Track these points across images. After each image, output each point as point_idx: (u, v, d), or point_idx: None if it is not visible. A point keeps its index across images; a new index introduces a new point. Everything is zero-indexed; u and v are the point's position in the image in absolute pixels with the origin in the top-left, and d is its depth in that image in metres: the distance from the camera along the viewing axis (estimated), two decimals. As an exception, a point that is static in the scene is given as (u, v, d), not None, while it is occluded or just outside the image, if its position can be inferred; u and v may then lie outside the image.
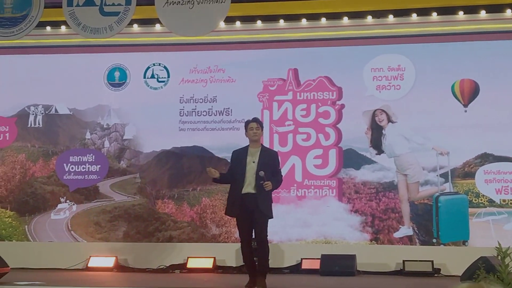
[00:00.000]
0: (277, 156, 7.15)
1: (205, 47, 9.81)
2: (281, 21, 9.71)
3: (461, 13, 9.22)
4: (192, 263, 9.02)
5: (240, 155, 6.95)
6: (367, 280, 8.20)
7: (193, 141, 9.75)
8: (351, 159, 9.31)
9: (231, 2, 7.56)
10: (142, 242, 9.49)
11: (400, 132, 9.21)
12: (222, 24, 8.97)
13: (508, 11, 9.08)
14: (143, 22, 9.79)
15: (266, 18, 9.76)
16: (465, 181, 8.97)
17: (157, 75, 9.98)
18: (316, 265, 8.63)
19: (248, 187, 6.72)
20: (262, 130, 7.08)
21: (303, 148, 9.40)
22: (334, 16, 9.55)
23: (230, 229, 9.34)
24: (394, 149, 9.19)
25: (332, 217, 9.17)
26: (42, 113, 10.10)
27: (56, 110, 10.12)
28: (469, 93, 9.05)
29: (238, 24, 9.81)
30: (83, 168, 9.89)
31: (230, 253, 9.09)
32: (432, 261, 8.53)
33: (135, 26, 9.91)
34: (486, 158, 8.96)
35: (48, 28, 10.10)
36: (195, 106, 9.81)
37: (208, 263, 8.99)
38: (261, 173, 6.65)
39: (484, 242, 8.49)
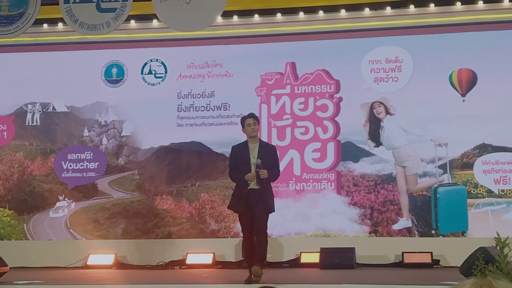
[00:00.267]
0: (275, 151, 7.18)
1: (203, 42, 9.78)
2: (278, 14, 9.68)
3: (458, 3, 9.18)
4: (191, 259, 8.99)
5: (241, 152, 6.97)
6: (366, 272, 8.17)
7: (191, 136, 9.73)
8: (349, 152, 9.28)
9: (228, -4, 7.54)
10: (141, 239, 9.47)
11: (398, 124, 9.17)
12: (219, 19, 8.94)
13: (506, 1, 9.03)
14: (140, 18, 9.78)
15: (263, 12, 9.74)
16: (464, 172, 8.93)
17: (154, 71, 9.96)
18: (315, 258, 8.60)
19: (253, 183, 6.77)
20: (259, 124, 7.09)
21: (301, 141, 9.37)
22: (331, 9, 9.52)
23: (229, 224, 9.32)
24: (393, 141, 9.16)
25: (331, 210, 9.14)
26: (39, 111, 10.09)
27: (53, 108, 10.10)
28: (467, 83, 9.02)
29: (235, 18, 9.79)
30: (81, 165, 9.88)
31: (229, 248, 9.08)
32: (431, 253, 8.51)
33: (132, 22, 9.90)
34: (484, 149, 8.92)
35: (45, 25, 10.09)
36: (193, 102, 9.79)
37: (207, 259, 8.97)
38: (258, 161, 6.72)
39: (483, 233, 8.45)
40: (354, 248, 8.62)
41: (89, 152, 9.92)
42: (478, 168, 8.89)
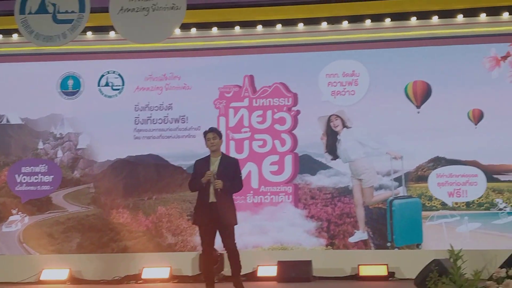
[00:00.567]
0: (237, 163, 7.15)
1: (161, 54, 9.75)
2: (237, 27, 9.71)
3: (413, 18, 9.33)
4: (147, 274, 8.89)
5: (202, 165, 6.97)
6: (322, 285, 8.20)
7: (149, 149, 9.65)
8: (306, 165, 9.32)
9: (187, 9, 7.50)
10: (96, 253, 9.32)
11: (355, 137, 9.25)
12: (177, 31, 8.92)
13: (460, 16, 9.21)
14: (97, 29, 9.69)
15: (222, 25, 9.75)
16: (418, 185, 9.05)
17: (111, 83, 9.87)
18: (272, 272, 8.60)
19: (212, 196, 6.77)
20: (220, 138, 7.08)
21: (259, 154, 9.38)
22: (289, 22, 9.59)
23: (186, 238, 9.26)
24: (349, 154, 9.23)
25: (288, 223, 9.16)
26: (-7, 123, 9.92)
27: (7, 120, 9.92)
28: (421, 95, 9.16)
29: (193, 30, 9.78)
30: (36, 178, 9.71)
31: (187, 262, 9.01)
32: (386, 265, 8.58)
33: (89, 33, 9.82)
34: (438, 162, 9.06)
35: (0, 36, 9.93)
36: (151, 114, 9.73)
37: (164, 273, 8.88)
38: (210, 172, 6.75)
39: (437, 245, 8.58)
40: (311, 261, 8.64)
41: (44, 165, 9.76)
42: (432, 181, 9.01)
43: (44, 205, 9.64)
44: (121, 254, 9.27)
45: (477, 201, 8.91)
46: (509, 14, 9.15)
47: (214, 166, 6.89)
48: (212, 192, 6.78)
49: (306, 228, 9.12)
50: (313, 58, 9.56)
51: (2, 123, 9.91)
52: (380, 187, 9.08)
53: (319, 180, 9.24)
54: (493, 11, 9.14)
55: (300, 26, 9.60)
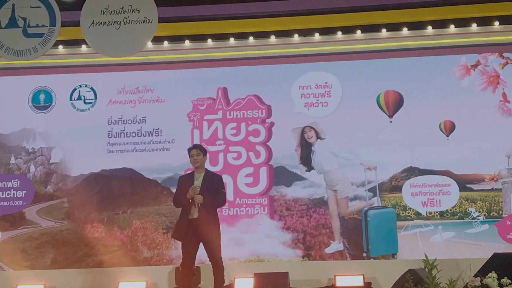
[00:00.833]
0: (220, 179, 7.25)
1: (133, 67, 9.73)
2: (209, 40, 9.74)
3: (384, 30, 9.46)
4: (123, 288, 8.86)
5: (186, 181, 7.07)
6: (300, 297, 8.24)
7: (123, 163, 9.61)
8: (281, 176, 9.37)
9: (159, 22, 7.50)
10: (71, 269, 9.24)
11: (329, 148, 9.33)
12: (149, 44, 8.92)
13: (429, 28, 9.37)
14: (68, 43, 9.65)
15: (194, 38, 9.78)
16: (393, 195, 9.15)
17: (84, 96, 9.82)
18: (249, 284, 8.57)
19: (195, 213, 6.87)
20: (204, 155, 7.18)
21: (234, 166, 9.40)
22: (261, 35, 9.65)
23: (162, 252, 9.23)
24: (323, 165, 9.30)
25: (264, 235, 9.19)
26: (-36, 138, 9.78)
27: (-22, 135, 9.83)
28: (393, 104, 9.30)
29: (166, 44, 9.79)
30: (8, 194, 9.60)
31: (163, 276, 8.97)
32: (363, 275, 8.64)
33: (60, 47, 9.76)
34: (412, 172, 9.18)
35: (-31, 51, 9.81)
36: (124, 128, 9.70)
37: (140, 287, 8.83)
38: (195, 186, 6.88)
39: (412, 255, 8.67)
40: (287, 272, 8.62)
41: (16, 180, 9.65)
42: (406, 191, 9.13)
43: (17, 221, 9.53)
44: (96, 268, 9.20)
45: (451, 210, 9.05)
46: (478, 26, 9.33)
47: (198, 182, 6.99)
48: (195, 208, 6.86)
49: (282, 239, 9.16)
50: (286, 70, 9.63)
51: (-27, 138, 9.80)
52: (355, 198, 9.17)
53: (294, 191, 9.29)
54: (462, 23, 9.32)
55: (273, 38, 9.67)
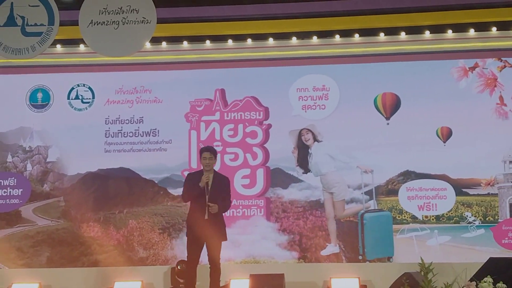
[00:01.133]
0: (228, 182, 7.39)
1: (131, 67, 9.73)
2: (207, 42, 9.75)
3: (382, 34, 9.49)
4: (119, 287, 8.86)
5: (196, 179, 7.14)
6: (295, 299, 8.26)
7: (120, 162, 9.62)
8: (278, 178, 9.40)
9: (157, 23, 7.52)
10: (67, 267, 9.25)
11: (326, 151, 9.36)
12: (148, 45, 8.93)
13: (427, 32, 9.41)
14: (66, 42, 9.64)
15: (192, 39, 9.78)
16: (389, 198, 9.19)
17: (81, 96, 9.82)
18: (245, 285, 8.60)
19: (206, 214, 7.02)
20: (215, 158, 7.33)
21: (231, 168, 9.40)
22: (259, 37, 9.67)
23: (157, 252, 9.25)
24: (320, 168, 9.33)
25: (261, 236, 9.22)
26: (-40, 136, 9.77)
27: (-24, 133, 9.82)
28: (391, 106, 9.33)
29: (164, 44, 9.80)
30: (4, 192, 9.59)
31: (158, 276, 9.00)
32: (358, 278, 8.67)
33: (59, 46, 9.76)
34: (408, 176, 9.21)
35: (-33, 48, 9.79)
36: (121, 127, 9.70)
37: (135, 287, 8.84)
38: (206, 177, 7.05)
39: (408, 258, 8.70)
40: (283, 274, 8.67)
41: (13, 178, 9.65)
42: (402, 195, 9.16)
43: (13, 219, 9.53)
44: (92, 268, 9.22)
45: (447, 214, 9.09)
46: (475, 31, 9.37)
47: (208, 183, 7.09)
48: (206, 209, 7.00)
49: (278, 241, 9.18)
50: (284, 73, 9.65)
51: (-30, 136, 9.80)
52: (352, 201, 9.20)
53: (291, 193, 9.32)
54: (460, 28, 9.35)
55: (271, 40, 9.69)
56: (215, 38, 9.75)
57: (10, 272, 9.22)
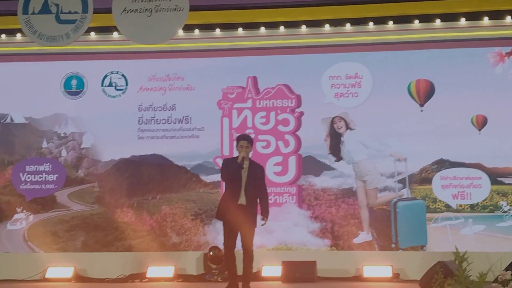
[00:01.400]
0: (263, 171, 7.50)
1: (164, 55, 9.77)
2: (240, 29, 9.74)
3: (416, 21, 9.38)
4: (152, 272, 8.95)
5: (233, 166, 7.20)
6: (327, 285, 8.27)
7: (152, 149, 9.69)
8: (310, 166, 9.38)
9: (190, 10, 7.54)
10: (101, 252, 9.37)
11: (359, 139, 9.32)
12: (180, 32, 8.94)
13: (462, 20, 9.28)
14: (100, 30, 9.69)
15: (225, 26, 9.76)
16: (422, 187, 9.12)
17: (115, 83, 9.90)
18: (277, 272, 8.66)
19: (241, 199, 7.11)
20: (252, 146, 7.38)
21: (263, 155, 9.41)
22: (292, 24, 9.61)
23: (190, 238, 9.32)
24: (353, 156, 9.29)
25: (293, 223, 9.23)
26: (-3, 122, 9.93)
27: (11, 119, 9.94)
28: (424, 93, 9.24)
29: (196, 32, 9.80)
30: (40, 177, 9.73)
31: (191, 261, 9.09)
32: (391, 266, 8.66)
33: (92, 34, 9.82)
34: (442, 164, 9.13)
35: (3, 36, 9.95)
36: (154, 114, 9.76)
37: (168, 272, 8.94)
38: (245, 154, 7.20)
39: (441, 247, 8.64)
40: (315, 261, 8.71)
41: (48, 164, 9.79)
42: (436, 183, 9.09)
43: (48, 204, 9.68)
44: (125, 253, 9.33)
45: (481, 203, 8.99)
46: (512, 18, 9.24)
47: (244, 171, 7.17)
48: (243, 195, 7.11)
49: (310, 229, 9.19)
50: (316, 60, 9.61)
51: (6, 122, 9.93)
52: (384, 189, 9.16)
53: (323, 181, 9.30)
54: (496, 15, 9.20)
55: (303, 28, 9.64)
56: (247, 26, 9.73)
57: (46, 256, 9.37)
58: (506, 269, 6.38)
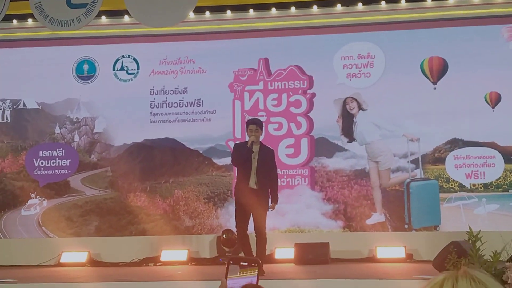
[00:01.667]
0: (273, 154, 7.62)
1: (175, 38, 9.74)
2: (251, 10, 9.67)
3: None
4: (165, 256, 8.97)
5: (243, 150, 7.31)
6: (340, 267, 8.23)
7: (165, 133, 9.69)
8: (323, 147, 9.34)
9: (200, -8, 7.51)
10: (115, 236, 9.41)
11: (371, 120, 9.25)
12: (191, 15, 8.90)
13: (476, -4, 9.16)
14: (111, 13, 9.68)
15: (235, 8, 9.71)
16: (436, 167, 9.04)
17: (126, 67, 9.89)
18: (289, 254, 8.65)
19: (252, 182, 7.25)
20: (262, 130, 7.50)
21: (275, 137, 9.38)
22: (303, 4, 9.54)
23: (203, 221, 9.33)
24: (365, 137, 9.23)
25: (305, 205, 9.20)
26: (10, 108, 9.95)
27: (24, 105, 9.98)
28: (438, 70, 9.12)
29: (207, 14, 9.75)
30: (53, 162, 9.78)
31: (204, 244, 9.10)
32: (404, 247, 8.61)
33: (103, 18, 9.79)
34: (455, 144, 9.04)
35: (15, 21, 9.95)
36: (166, 98, 9.75)
37: (182, 256, 8.95)
38: (254, 137, 7.34)
39: (455, 227, 8.59)
40: (328, 243, 8.67)
41: (61, 149, 9.83)
42: (449, 163, 9.01)
43: (62, 189, 9.73)
44: (139, 236, 9.36)
45: (495, 182, 8.90)
46: (526, -5, 9.08)
47: (255, 154, 7.28)
48: (254, 178, 7.24)
49: (323, 210, 9.15)
50: (328, 41, 9.53)
51: (18, 107, 9.97)
52: (397, 169, 9.10)
53: (336, 162, 9.25)
54: (510, -8, 9.07)
55: (315, 8, 9.55)
56: (258, 7, 9.66)
57: (60, 241, 9.43)
58: (520, 248, 6.29)
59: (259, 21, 9.73)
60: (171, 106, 9.70)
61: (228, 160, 9.29)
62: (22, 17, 9.84)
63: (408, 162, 9.06)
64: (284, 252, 8.75)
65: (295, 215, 9.18)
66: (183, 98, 9.71)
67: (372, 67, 9.35)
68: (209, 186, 9.46)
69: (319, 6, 9.52)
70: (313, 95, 9.44)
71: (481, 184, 8.93)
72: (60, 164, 9.77)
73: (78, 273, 8.26)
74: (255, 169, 7.25)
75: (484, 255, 6.28)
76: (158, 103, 9.73)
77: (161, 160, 9.69)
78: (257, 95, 9.58)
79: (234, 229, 7.86)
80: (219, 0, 9.58)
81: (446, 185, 8.99)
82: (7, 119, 9.94)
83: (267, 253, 8.75)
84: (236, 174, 7.73)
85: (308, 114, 9.42)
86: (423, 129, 9.07)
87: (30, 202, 9.69)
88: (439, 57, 9.15)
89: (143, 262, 8.97)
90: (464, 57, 9.11)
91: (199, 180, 9.48)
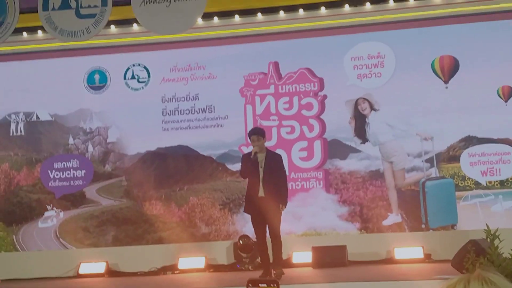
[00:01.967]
0: (280, 159, 7.67)
1: (184, 44, 9.75)
2: (259, 14, 9.66)
3: (437, -3, 9.23)
4: (183, 264, 8.97)
5: (249, 161, 7.43)
6: (359, 269, 8.21)
7: (178, 140, 9.70)
8: (336, 149, 9.31)
9: (208, -2, 7.52)
10: (132, 246, 9.43)
11: (384, 120, 9.21)
12: (199, 21, 8.91)
13: (484, -8, 9.11)
14: (120, 22, 9.70)
15: (244, 12, 9.70)
16: (451, 165, 8.99)
17: (137, 75, 9.91)
18: (307, 258, 8.63)
19: (261, 191, 7.37)
20: (264, 137, 7.58)
21: (287, 141, 9.37)
22: (311, 7, 9.51)
23: (219, 227, 9.33)
24: (378, 137, 9.20)
25: (321, 208, 9.18)
26: (23, 121, 10.00)
27: (37, 117, 10.02)
28: (449, 69, 9.07)
29: (215, 19, 9.75)
30: (68, 174, 9.81)
31: (221, 251, 9.09)
32: (422, 247, 8.57)
33: (113, 27, 9.82)
34: (470, 141, 8.98)
35: (25, 34, 9.99)
36: (178, 105, 9.76)
37: (199, 263, 8.95)
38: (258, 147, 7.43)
39: (472, 225, 8.50)
40: (345, 245, 8.64)
41: (75, 160, 9.86)
42: (464, 161, 8.95)
43: (78, 200, 9.76)
44: (156, 245, 9.37)
45: (511, 179, 8.85)
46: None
47: (261, 164, 7.40)
48: (261, 187, 7.34)
49: (338, 213, 9.12)
50: (337, 42, 9.51)
51: (32, 120, 10.01)
52: (412, 169, 9.05)
53: (350, 164, 9.22)
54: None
55: (323, 10, 9.52)
56: (266, 10, 9.65)
57: (78, 252, 9.46)
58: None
59: (267, 24, 9.72)
60: (183, 113, 9.71)
61: (242, 165, 9.30)
62: (32, 30, 9.89)
63: (422, 161, 9.02)
64: (302, 256, 8.73)
65: (311, 218, 9.15)
66: (194, 104, 9.72)
67: (382, 66, 9.32)
68: (223, 192, 9.46)
69: (327, 8, 9.49)
70: (325, 97, 9.42)
71: (497, 181, 8.86)
72: (75, 175, 9.81)
73: (97, 284, 8.30)
74: (262, 178, 7.39)
75: (502, 253, 6.24)
76: (170, 111, 9.75)
77: (175, 167, 9.70)
78: (268, 99, 9.57)
79: (250, 235, 8.03)
80: (227, 5, 9.57)
81: (462, 183, 8.94)
82: (21, 132, 9.99)
83: (284, 257, 8.76)
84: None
85: (320, 117, 9.40)
86: (437, 128, 9.02)
87: (46, 214, 9.72)
88: (450, 56, 9.10)
89: (161, 270, 8.97)
90: (474, 52, 9.05)
91: (213, 186, 9.48)
